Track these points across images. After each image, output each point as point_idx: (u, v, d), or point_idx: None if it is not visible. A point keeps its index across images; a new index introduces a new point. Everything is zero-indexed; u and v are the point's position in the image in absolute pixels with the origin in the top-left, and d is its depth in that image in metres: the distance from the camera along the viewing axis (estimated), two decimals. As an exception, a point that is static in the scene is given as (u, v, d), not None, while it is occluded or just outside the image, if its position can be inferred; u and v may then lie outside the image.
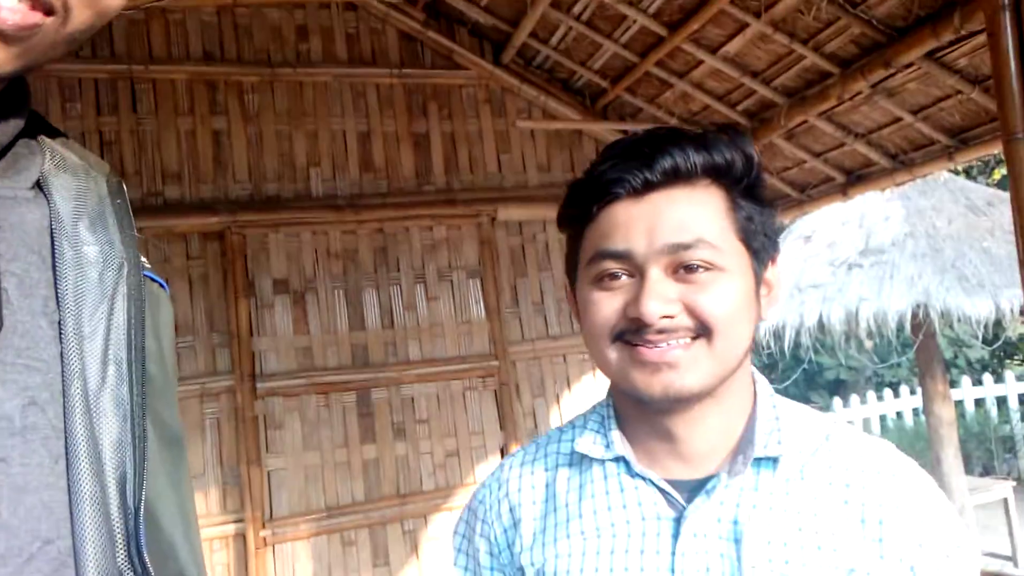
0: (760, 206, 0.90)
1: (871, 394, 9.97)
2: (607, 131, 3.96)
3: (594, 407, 1.00)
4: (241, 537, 3.25)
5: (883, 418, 10.03)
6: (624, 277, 0.86)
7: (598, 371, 3.79)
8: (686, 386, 0.84)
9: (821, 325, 6.50)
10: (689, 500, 0.88)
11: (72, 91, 3.35)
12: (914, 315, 6.06)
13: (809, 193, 4.01)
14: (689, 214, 0.84)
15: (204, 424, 3.32)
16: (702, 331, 0.84)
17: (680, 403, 0.86)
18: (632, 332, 0.85)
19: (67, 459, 0.63)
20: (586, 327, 0.90)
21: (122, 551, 0.65)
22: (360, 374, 3.48)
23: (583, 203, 0.89)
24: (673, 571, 0.85)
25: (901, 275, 6.26)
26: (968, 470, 7.70)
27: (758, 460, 0.88)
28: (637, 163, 0.85)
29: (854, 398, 9.78)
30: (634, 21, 3.29)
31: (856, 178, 3.75)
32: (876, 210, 6.80)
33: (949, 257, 6.25)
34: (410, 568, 3.49)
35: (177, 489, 0.76)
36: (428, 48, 3.81)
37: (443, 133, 3.79)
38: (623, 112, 3.99)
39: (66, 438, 0.63)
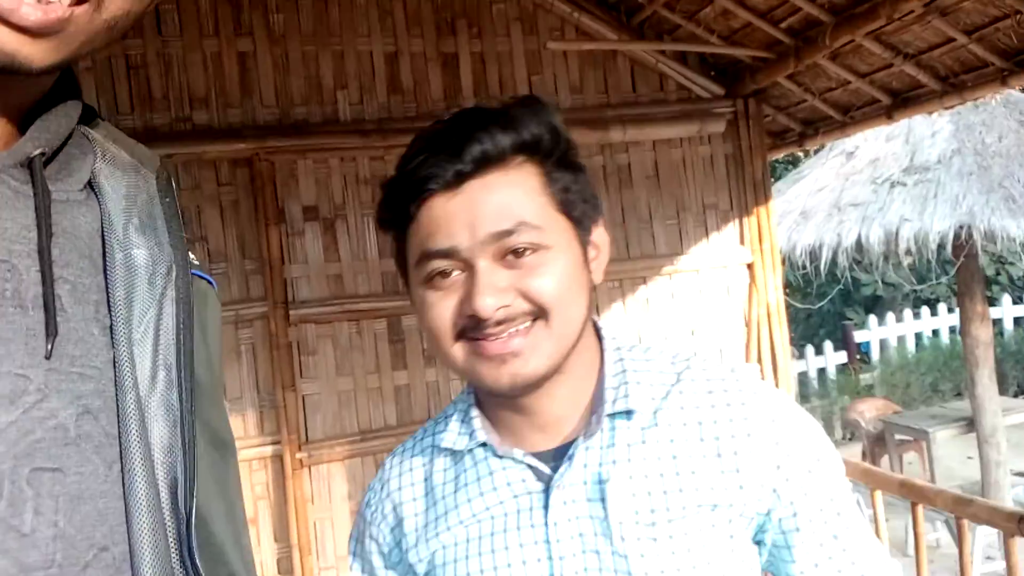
0: (574, 173, 0.90)
1: (908, 312, 9.85)
2: (643, 51, 3.82)
3: (458, 397, 1.02)
4: (279, 459, 3.36)
5: (919, 336, 9.94)
6: (455, 273, 0.86)
7: (634, 298, 3.80)
8: (532, 372, 0.86)
9: (859, 245, 6.37)
10: (555, 469, 0.90)
11: (96, 13, 3.29)
12: (956, 236, 5.90)
13: (852, 115, 3.86)
14: (506, 199, 0.85)
15: (240, 350, 3.39)
16: (539, 313, 0.85)
17: (529, 387, 0.88)
18: (472, 328, 0.85)
19: (121, 466, 0.64)
20: (426, 329, 0.91)
21: (175, 556, 0.66)
22: (391, 301, 3.50)
23: (400, 203, 0.89)
24: (548, 541, 0.88)
25: (945, 194, 6.06)
26: (1003, 390, 7.64)
27: (612, 416, 0.90)
28: (446, 155, 0.84)
29: (890, 315, 9.68)
30: (673, -66, 3.11)
31: (902, 100, 3.58)
32: (923, 126, 6.54)
33: (997, 176, 6.02)
34: (441, 488, 3.59)
35: (225, 492, 0.77)
36: (456, -36, 3.65)
37: (472, 53, 3.68)
38: (661, 29, 3.83)
39: (120, 445, 0.64)
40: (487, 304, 0.83)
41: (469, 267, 0.85)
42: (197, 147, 3.33)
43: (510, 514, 0.90)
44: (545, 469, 0.91)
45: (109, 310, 0.66)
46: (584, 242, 0.91)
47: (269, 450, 3.36)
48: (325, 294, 3.46)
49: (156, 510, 0.65)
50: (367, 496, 1.05)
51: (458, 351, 0.88)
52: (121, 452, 0.64)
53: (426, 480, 0.99)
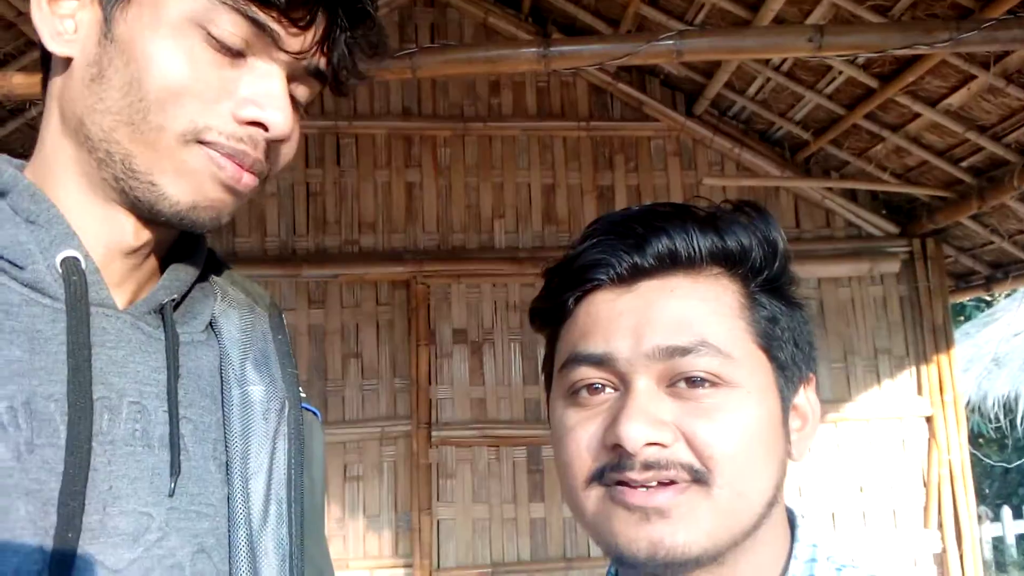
0: (788, 306, 0.69)
1: None
2: (808, 188, 3.68)
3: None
4: (408, 583, 3.31)
5: None
6: (607, 390, 0.66)
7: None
8: (680, 546, 0.62)
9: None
10: None
11: (286, 145, 3.63)
12: None
13: (1050, 259, 3.49)
14: (690, 310, 0.65)
15: (382, 466, 3.43)
16: (701, 475, 0.62)
17: (674, 568, 0.64)
18: (613, 467, 0.64)
19: None
20: (558, 458, 0.69)
21: None
22: (532, 429, 3.44)
23: (559, 294, 0.70)
24: None
25: None
26: None
27: None
28: (625, 244, 0.66)
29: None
30: (839, 72, 3.03)
31: (1112, 245, 3.20)
32: None
33: None
34: (573, 635, 3.38)
35: None
36: (618, 100, 3.74)
37: (628, 186, 3.71)
38: (827, 166, 3.69)
39: None
40: (636, 433, 0.62)
41: (625, 385, 0.65)
42: (361, 269, 3.51)
43: None
44: None
45: (226, 447, 0.69)
46: (785, 397, 0.68)
47: (401, 572, 3.32)
48: (467, 417, 3.46)
49: None
50: None
51: (591, 495, 0.66)
52: None
53: None
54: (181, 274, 0.70)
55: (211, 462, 0.68)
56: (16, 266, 0.60)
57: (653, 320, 0.65)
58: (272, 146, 0.64)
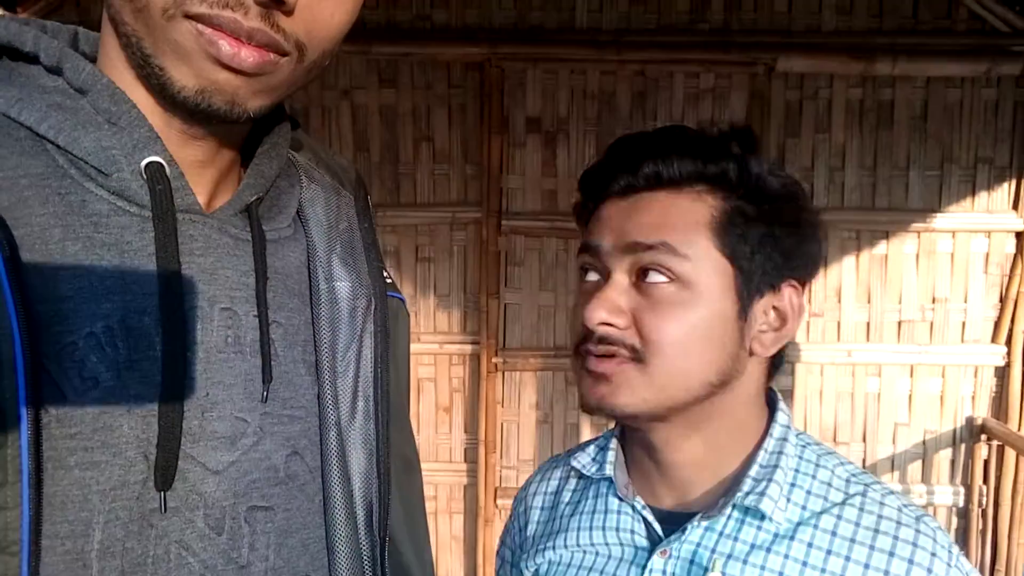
0: (770, 222, 0.81)
1: None
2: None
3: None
4: (476, 358, 3.52)
5: None
6: (593, 275, 0.85)
7: (871, 253, 3.40)
8: (621, 406, 0.81)
9: None
10: (667, 533, 0.85)
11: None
12: None
13: None
14: (662, 216, 0.80)
15: (452, 250, 3.52)
16: (639, 353, 0.79)
17: (629, 420, 0.84)
18: (583, 340, 0.83)
19: (324, 500, 0.71)
20: None
21: None
22: (601, 224, 3.42)
23: (583, 202, 0.90)
24: None
25: None
26: None
27: (745, 507, 0.82)
28: (624, 166, 0.84)
29: None
30: None
31: None
32: None
33: None
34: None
35: (411, 514, 0.84)
36: None
37: (726, -37, 3.33)
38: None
39: (322, 479, 0.71)
40: (593, 315, 0.80)
41: (606, 276, 0.83)
42: (434, 48, 3.36)
43: (612, 559, 0.88)
44: (658, 529, 0.87)
45: (315, 347, 0.71)
46: (744, 299, 0.81)
47: (469, 348, 3.53)
48: (538, 208, 3.45)
49: (353, 538, 0.71)
50: (519, 491, 1.08)
51: (574, 359, 0.86)
52: (324, 486, 0.70)
53: (555, 494, 1.00)
54: (264, 168, 0.69)
55: (301, 365, 0.69)
56: (103, 173, 0.59)
57: (632, 223, 0.81)
58: (278, 10, 0.57)
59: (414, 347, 3.53)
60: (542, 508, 1.00)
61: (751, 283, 0.81)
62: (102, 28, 0.63)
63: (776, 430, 0.87)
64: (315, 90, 3.41)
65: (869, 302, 3.44)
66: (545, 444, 3.56)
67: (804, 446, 0.87)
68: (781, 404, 0.90)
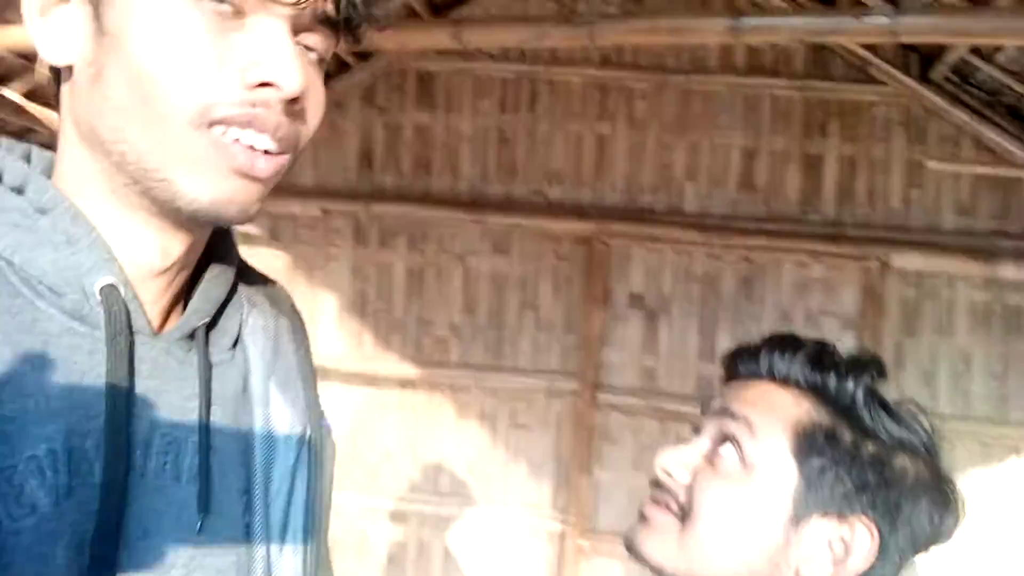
0: (852, 451, 0.81)
1: None
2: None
3: None
4: (560, 538, 3.38)
5: None
6: (693, 434, 0.89)
7: (1000, 468, 3.12)
8: (646, 551, 0.83)
9: None
10: None
11: (483, 87, 3.61)
12: None
13: None
14: (758, 399, 0.85)
15: (547, 420, 3.48)
16: (685, 511, 0.82)
17: (655, 573, 0.84)
18: (652, 485, 0.87)
19: None
20: None
21: None
22: (701, 407, 3.33)
23: (724, 373, 0.95)
24: None
25: None
26: None
27: None
28: (751, 355, 0.89)
29: None
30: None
31: None
32: None
33: None
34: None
35: None
36: (839, 57, 3.35)
37: (841, 156, 3.35)
38: (1092, 148, 3.13)
39: None
40: (660, 459, 0.85)
41: (697, 432, 0.87)
42: (546, 221, 3.49)
43: None
44: None
45: (247, 475, 0.69)
46: (801, 509, 0.80)
47: (556, 528, 3.40)
48: (636, 384, 3.40)
49: None
50: None
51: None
52: None
53: None
54: (213, 293, 0.68)
55: (234, 493, 0.68)
56: (56, 293, 0.59)
57: (735, 396, 0.86)
58: (292, 108, 0.58)
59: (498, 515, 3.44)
60: None
61: (810, 495, 0.80)
62: (64, 151, 0.63)
63: None
64: (432, 252, 3.58)
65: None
66: (628, 639, 3.32)
67: None
68: None
